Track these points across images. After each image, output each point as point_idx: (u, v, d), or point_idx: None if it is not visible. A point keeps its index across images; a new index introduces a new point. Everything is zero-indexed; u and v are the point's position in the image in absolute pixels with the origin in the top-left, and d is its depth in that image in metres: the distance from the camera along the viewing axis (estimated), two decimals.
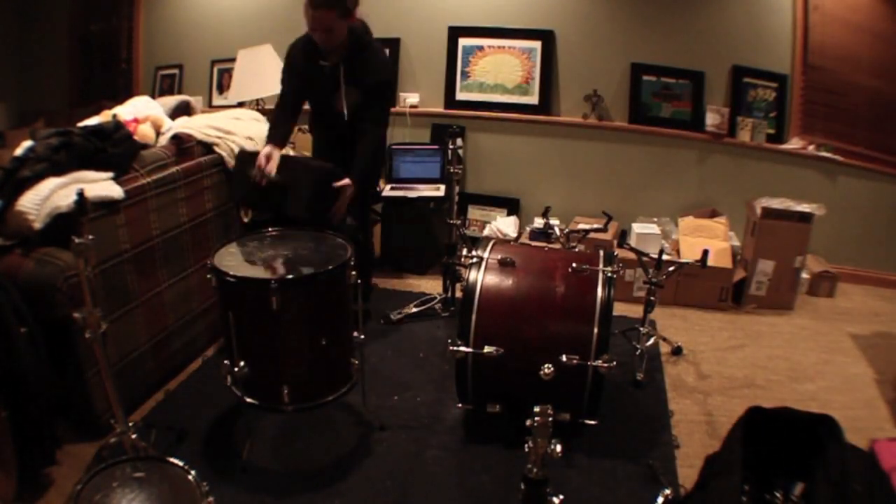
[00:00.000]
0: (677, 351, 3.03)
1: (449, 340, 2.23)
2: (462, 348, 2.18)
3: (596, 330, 2.12)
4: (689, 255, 3.33)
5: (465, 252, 2.39)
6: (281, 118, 2.86)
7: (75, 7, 5.01)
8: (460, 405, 2.37)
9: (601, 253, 2.39)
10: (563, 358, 2.10)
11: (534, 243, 3.72)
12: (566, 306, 2.20)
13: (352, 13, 2.65)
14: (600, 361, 2.10)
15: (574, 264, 2.26)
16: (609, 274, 2.23)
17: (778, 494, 1.78)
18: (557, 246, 3.28)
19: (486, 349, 2.16)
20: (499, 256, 2.32)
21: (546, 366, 2.07)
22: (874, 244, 3.92)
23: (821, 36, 3.70)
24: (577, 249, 3.22)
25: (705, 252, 2.84)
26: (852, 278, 3.93)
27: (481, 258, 2.33)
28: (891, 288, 3.90)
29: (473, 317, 2.20)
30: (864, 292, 3.85)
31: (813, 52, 3.73)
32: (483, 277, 2.26)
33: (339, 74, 2.77)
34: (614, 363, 2.10)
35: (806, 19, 3.68)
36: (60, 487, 2.06)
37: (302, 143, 3.79)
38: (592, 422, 2.24)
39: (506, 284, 2.25)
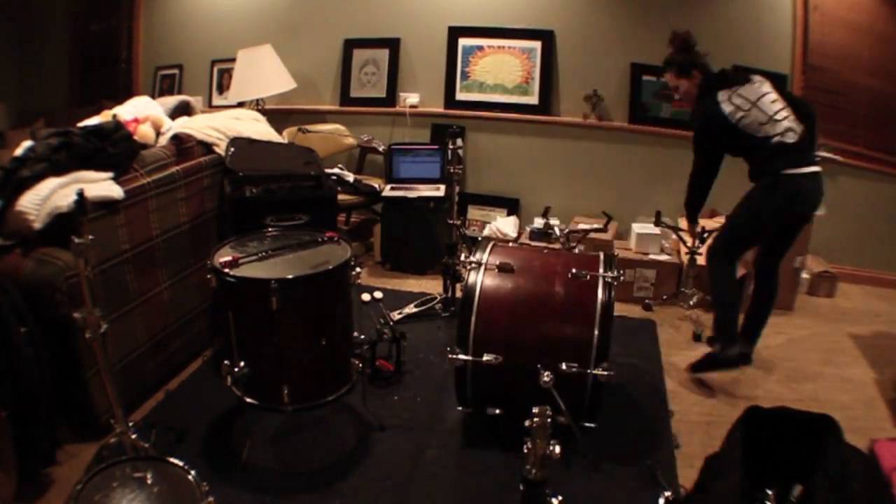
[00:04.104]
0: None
1: (448, 349, 2.23)
2: (461, 356, 2.18)
3: (596, 337, 2.10)
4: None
5: (463, 257, 2.36)
6: None
7: (75, 7, 5.01)
8: (460, 408, 2.36)
9: (601, 256, 2.38)
10: (563, 366, 2.08)
11: (534, 243, 3.73)
12: (565, 313, 2.18)
13: (689, 72, 2.74)
14: (599, 369, 2.09)
15: (574, 270, 2.24)
16: (609, 280, 2.21)
17: (778, 494, 1.78)
18: (557, 246, 3.28)
19: (486, 357, 2.15)
20: (498, 262, 2.30)
21: (545, 374, 2.07)
22: (874, 244, 3.92)
23: (821, 36, 3.69)
24: (576, 250, 3.21)
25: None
26: (852, 278, 3.93)
27: (480, 263, 2.31)
28: (891, 288, 3.90)
29: (472, 325, 2.18)
30: (864, 292, 3.84)
31: (813, 52, 3.73)
32: (482, 284, 2.24)
33: None
34: (613, 372, 2.09)
35: (806, 19, 3.68)
36: (60, 487, 2.06)
37: (300, 141, 3.79)
38: (591, 424, 2.23)
39: (504, 291, 2.23)
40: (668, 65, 2.83)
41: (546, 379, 2.06)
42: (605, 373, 2.09)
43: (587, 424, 2.23)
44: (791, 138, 2.57)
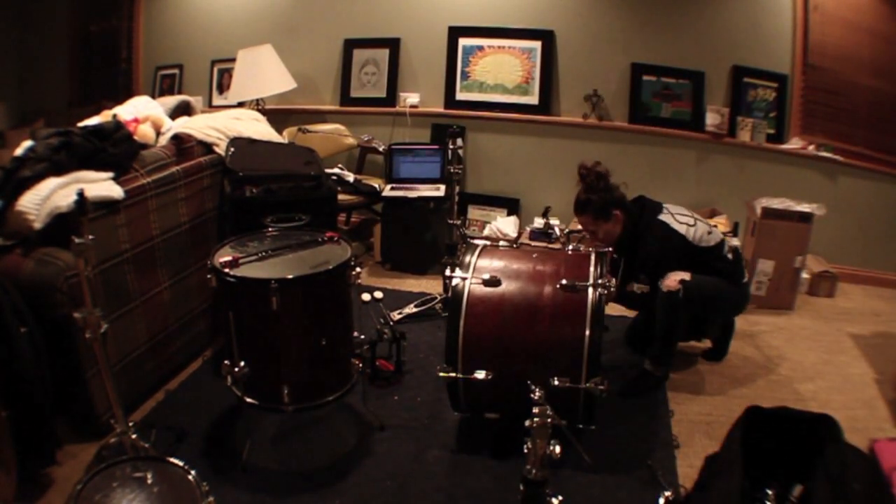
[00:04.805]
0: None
1: (438, 367, 2.22)
2: (451, 374, 2.16)
3: (586, 353, 2.07)
4: None
5: (448, 271, 2.29)
6: None
7: (75, 7, 5.01)
8: (457, 413, 2.36)
9: (592, 255, 2.32)
10: (555, 381, 2.05)
11: (534, 243, 3.73)
12: (555, 326, 2.13)
13: (609, 215, 2.53)
14: (591, 384, 2.06)
15: (564, 280, 2.16)
16: (600, 291, 2.14)
17: (778, 494, 1.78)
18: (557, 246, 3.27)
19: (476, 374, 2.13)
20: (484, 276, 2.22)
21: (537, 389, 2.05)
22: (874, 244, 3.92)
23: (821, 36, 3.70)
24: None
25: None
26: (852, 278, 3.93)
27: (464, 278, 2.23)
28: (891, 288, 3.90)
29: (460, 342, 2.15)
30: (864, 292, 3.84)
31: (813, 52, 3.73)
32: (467, 301, 2.18)
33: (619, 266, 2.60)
34: (605, 385, 2.06)
35: (806, 19, 3.68)
36: (60, 487, 2.06)
37: (300, 141, 3.79)
38: (591, 427, 2.23)
39: (491, 305, 2.18)
40: (584, 207, 2.54)
41: (537, 396, 2.04)
42: (599, 387, 2.06)
43: (585, 427, 2.22)
44: (731, 243, 2.65)
